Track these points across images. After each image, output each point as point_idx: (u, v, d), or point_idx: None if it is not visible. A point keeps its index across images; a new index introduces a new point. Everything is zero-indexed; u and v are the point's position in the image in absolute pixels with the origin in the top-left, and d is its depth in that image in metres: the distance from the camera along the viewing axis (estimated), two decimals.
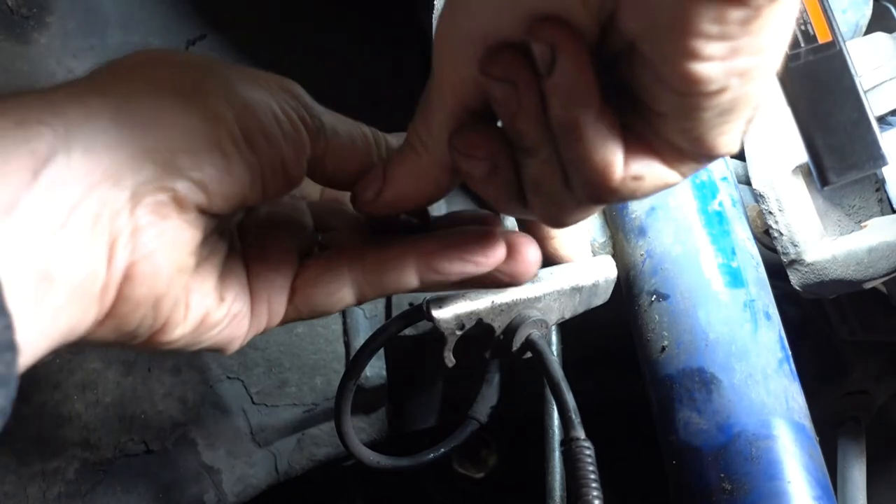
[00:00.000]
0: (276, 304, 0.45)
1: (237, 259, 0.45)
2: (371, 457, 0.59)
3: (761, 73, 0.31)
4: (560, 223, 0.41)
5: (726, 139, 0.34)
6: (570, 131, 0.34)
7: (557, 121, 0.35)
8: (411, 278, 0.45)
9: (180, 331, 0.41)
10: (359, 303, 0.46)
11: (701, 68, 0.30)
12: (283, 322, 0.47)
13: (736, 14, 0.29)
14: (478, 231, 0.45)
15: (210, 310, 0.42)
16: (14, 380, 0.31)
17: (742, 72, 0.31)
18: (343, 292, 0.46)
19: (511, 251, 0.45)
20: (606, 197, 0.37)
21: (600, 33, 0.33)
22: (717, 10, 0.29)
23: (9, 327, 0.31)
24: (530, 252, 0.46)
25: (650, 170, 0.36)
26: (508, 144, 0.38)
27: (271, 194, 0.41)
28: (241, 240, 0.46)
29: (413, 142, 0.41)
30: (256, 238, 0.46)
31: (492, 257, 0.45)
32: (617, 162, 0.35)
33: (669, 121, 0.34)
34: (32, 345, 0.33)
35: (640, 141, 0.35)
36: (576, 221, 0.41)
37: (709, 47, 0.30)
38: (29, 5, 0.77)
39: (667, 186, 0.37)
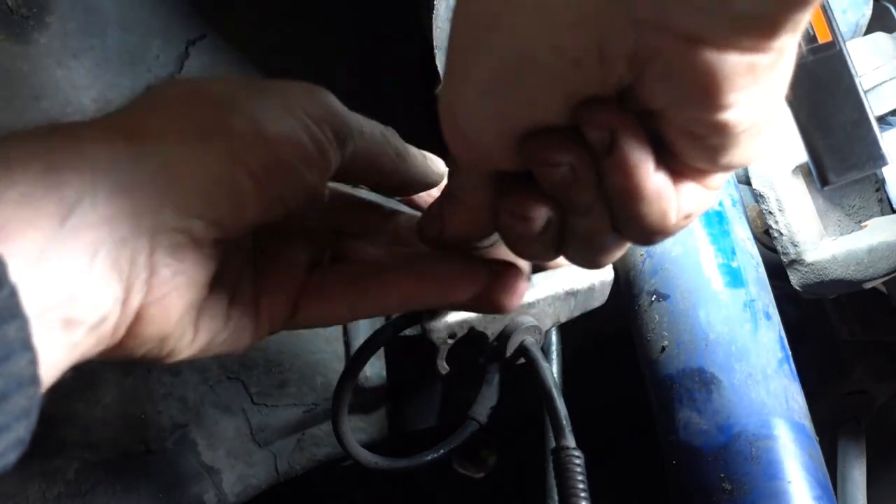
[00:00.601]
0: (278, 318, 0.46)
1: (248, 272, 0.45)
2: (369, 458, 0.59)
3: (783, 91, 0.31)
4: (601, 266, 0.41)
5: (759, 150, 0.34)
6: (631, 195, 0.34)
7: (617, 189, 0.35)
8: (394, 306, 0.47)
9: (186, 353, 0.42)
10: (353, 319, 0.48)
11: (733, 115, 0.30)
12: (280, 330, 0.48)
13: (765, 60, 0.28)
14: (460, 266, 0.46)
15: (217, 331, 0.43)
16: (35, 412, 0.32)
17: (770, 100, 0.31)
18: (339, 311, 0.47)
19: (497, 283, 0.46)
20: (659, 240, 0.37)
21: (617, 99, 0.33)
22: (746, 65, 0.28)
23: (33, 362, 0.32)
24: (519, 286, 0.46)
25: (697, 203, 0.36)
26: (555, 202, 0.38)
27: (293, 212, 0.42)
28: (252, 245, 0.46)
29: (455, 192, 0.42)
30: (269, 249, 0.46)
31: (466, 294, 0.46)
32: (672, 210, 0.35)
33: (705, 160, 0.34)
34: (47, 376, 0.34)
35: (682, 179, 0.35)
36: (613, 261, 0.41)
37: (740, 96, 0.30)
38: (29, 5, 0.77)
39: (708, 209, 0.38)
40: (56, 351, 0.35)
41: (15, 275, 0.32)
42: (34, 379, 0.32)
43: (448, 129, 0.36)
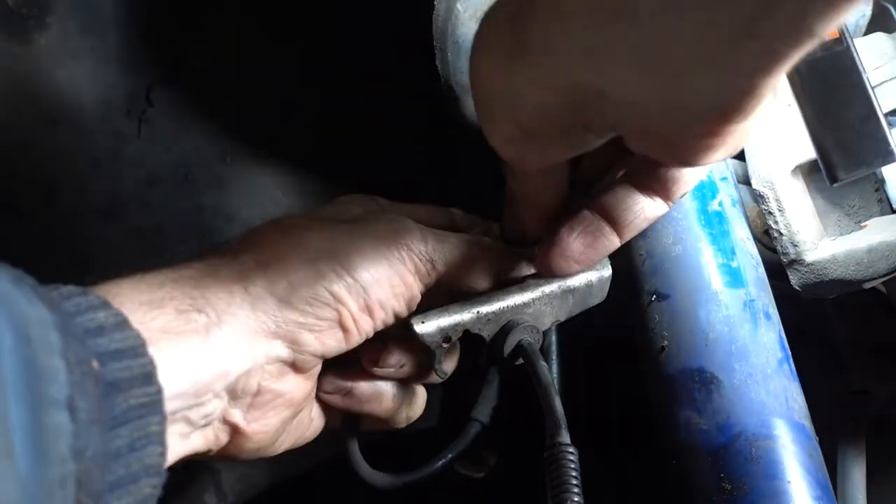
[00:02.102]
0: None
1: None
2: (383, 480, 0.59)
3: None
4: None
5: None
6: None
7: None
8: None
9: (273, 453, 0.51)
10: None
11: (713, 157, 0.36)
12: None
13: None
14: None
15: (301, 436, 0.54)
16: (155, 500, 0.38)
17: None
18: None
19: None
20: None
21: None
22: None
23: (162, 455, 0.38)
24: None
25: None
26: None
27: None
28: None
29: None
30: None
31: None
32: None
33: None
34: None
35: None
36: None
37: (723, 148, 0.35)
38: (29, 5, 0.77)
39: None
40: (174, 445, 0.41)
41: (161, 379, 0.38)
42: (159, 471, 0.38)
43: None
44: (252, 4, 0.85)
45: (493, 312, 0.54)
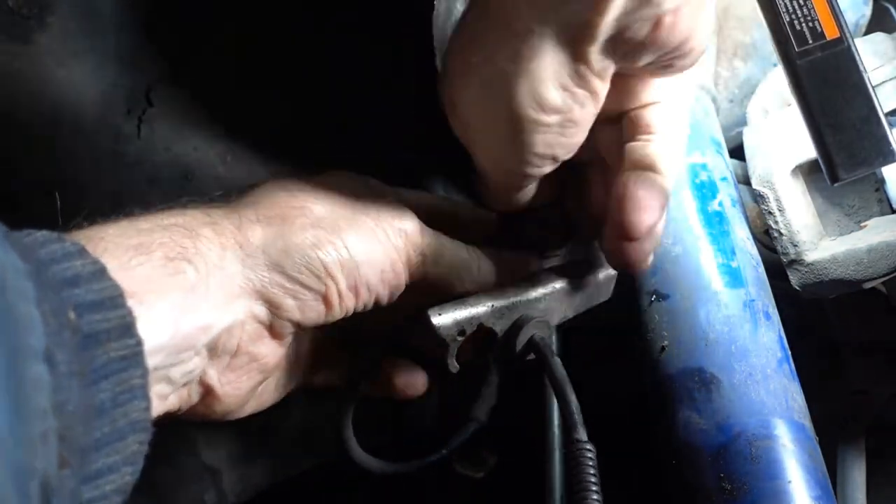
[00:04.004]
0: (309, 378, 0.57)
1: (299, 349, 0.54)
2: (374, 463, 0.59)
3: None
4: None
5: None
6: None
7: None
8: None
9: (242, 415, 0.51)
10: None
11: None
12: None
13: None
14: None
15: (271, 399, 0.53)
16: (140, 461, 0.37)
17: None
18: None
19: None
20: None
21: None
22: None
23: (147, 410, 0.37)
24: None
25: None
26: None
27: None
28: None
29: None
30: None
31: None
32: None
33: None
34: None
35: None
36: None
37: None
38: (29, 5, 0.77)
39: None
40: (154, 403, 0.39)
41: (142, 332, 0.37)
42: (146, 426, 0.37)
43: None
44: (252, 4, 0.85)
45: (507, 307, 0.54)
